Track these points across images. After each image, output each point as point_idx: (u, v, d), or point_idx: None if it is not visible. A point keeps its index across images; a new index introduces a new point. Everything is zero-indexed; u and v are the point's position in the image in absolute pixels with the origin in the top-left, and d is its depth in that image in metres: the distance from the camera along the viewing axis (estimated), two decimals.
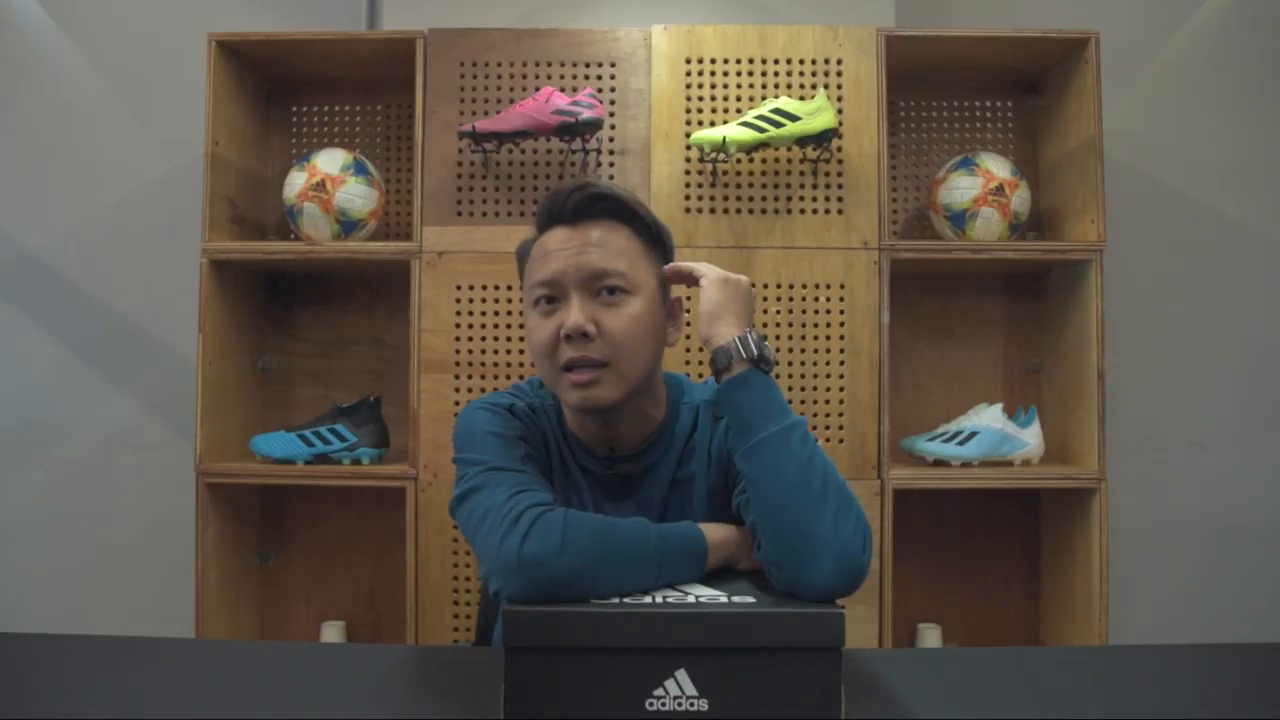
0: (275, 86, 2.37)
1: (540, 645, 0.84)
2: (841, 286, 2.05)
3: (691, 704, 0.83)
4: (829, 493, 0.99)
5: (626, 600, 0.91)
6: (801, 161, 2.07)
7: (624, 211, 1.17)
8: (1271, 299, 2.42)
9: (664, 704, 0.83)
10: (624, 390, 1.13)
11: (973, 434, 2.10)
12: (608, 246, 1.14)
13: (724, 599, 0.91)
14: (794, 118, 1.99)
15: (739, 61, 2.09)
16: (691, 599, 0.92)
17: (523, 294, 1.20)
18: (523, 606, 0.88)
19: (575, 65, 2.10)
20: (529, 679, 0.84)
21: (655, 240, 1.20)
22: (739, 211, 2.08)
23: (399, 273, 2.12)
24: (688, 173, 2.07)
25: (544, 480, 1.12)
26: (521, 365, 2.06)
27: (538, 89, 2.05)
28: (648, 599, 0.92)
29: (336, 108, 2.40)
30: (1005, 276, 2.35)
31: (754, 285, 2.02)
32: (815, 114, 2.00)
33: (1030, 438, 2.13)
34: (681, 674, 0.83)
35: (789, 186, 2.07)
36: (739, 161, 2.07)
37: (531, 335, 1.16)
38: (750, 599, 0.91)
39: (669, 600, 0.91)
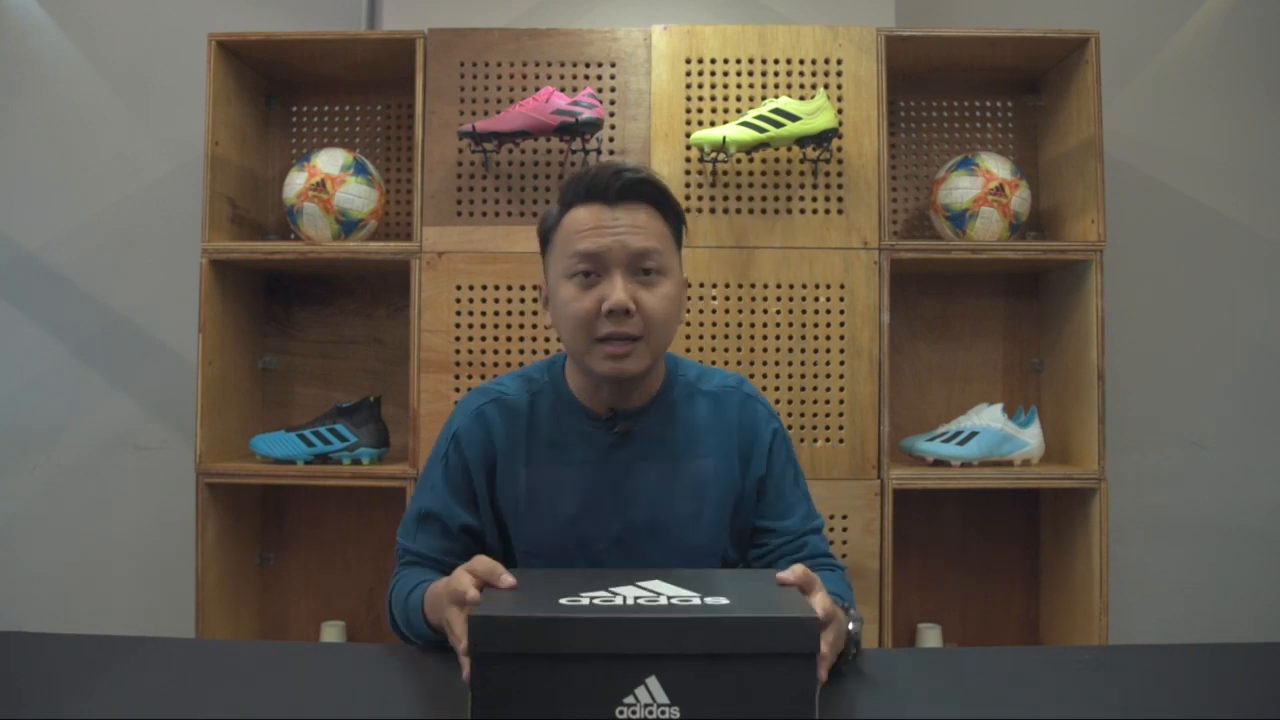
0: (275, 86, 2.37)
1: (507, 652, 0.81)
2: (841, 286, 2.05)
3: (663, 712, 0.80)
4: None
5: (596, 603, 0.87)
6: (801, 161, 2.07)
7: (659, 197, 1.24)
8: (1271, 299, 2.42)
9: (634, 712, 0.80)
10: (650, 362, 1.22)
11: (973, 434, 2.10)
12: (648, 229, 1.21)
13: (697, 600, 0.87)
14: (794, 118, 1.99)
15: (739, 61, 2.09)
16: (664, 600, 0.88)
17: (550, 261, 1.26)
18: (489, 612, 0.85)
19: (575, 65, 2.10)
20: (496, 686, 0.81)
21: (679, 225, 1.28)
22: (739, 211, 2.07)
23: (399, 273, 2.12)
24: (688, 173, 2.07)
25: (462, 512, 1.27)
26: (522, 365, 2.05)
27: (538, 89, 2.05)
28: (618, 600, 0.88)
29: (336, 108, 2.40)
30: (1005, 276, 2.35)
31: (754, 286, 2.06)
32: (815, 114, 2.00)
33: (1030, 438, 2.13)
34: (653, 681, 0.80)
35: (789, 186, 2.07)
36: (739, 161, 2.07)
37: (566, 306, 1.20)
38: (724, 600, 0.87)
39: (640, 602, 0.87)
